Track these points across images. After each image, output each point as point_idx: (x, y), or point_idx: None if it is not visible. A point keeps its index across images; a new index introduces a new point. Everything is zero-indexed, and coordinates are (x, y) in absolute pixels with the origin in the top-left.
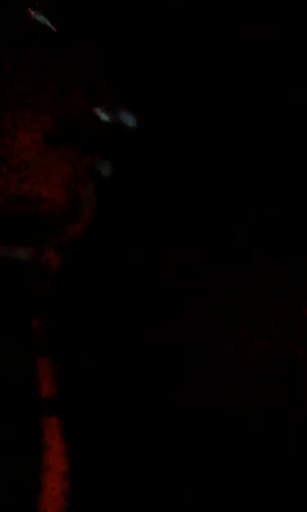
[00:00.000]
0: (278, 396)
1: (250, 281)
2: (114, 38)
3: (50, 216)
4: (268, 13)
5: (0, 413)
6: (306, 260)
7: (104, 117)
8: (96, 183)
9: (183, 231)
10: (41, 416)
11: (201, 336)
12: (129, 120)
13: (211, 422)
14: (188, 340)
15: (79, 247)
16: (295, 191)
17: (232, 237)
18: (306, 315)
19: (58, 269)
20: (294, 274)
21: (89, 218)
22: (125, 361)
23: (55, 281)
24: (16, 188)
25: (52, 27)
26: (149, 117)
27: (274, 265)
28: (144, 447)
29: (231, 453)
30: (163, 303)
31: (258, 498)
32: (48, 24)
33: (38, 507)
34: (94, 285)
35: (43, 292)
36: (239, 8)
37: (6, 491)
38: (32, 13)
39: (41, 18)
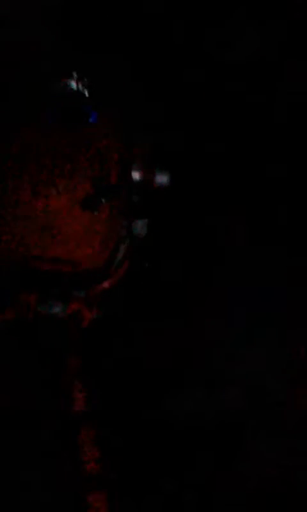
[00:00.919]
0: None
1: None
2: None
3: (84, 274)
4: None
5: None
6: None
7: (138, 178)
8: (130, 242)
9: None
10: None
11: None
12: (163, 180)
13: None
14: None
15: (108, 301)
16: None
17: None
18: None
19: (89, 323)
20: None
21: (121, 276)
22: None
23: (86, 334)
24: (53, 250)
25: (85, 93)
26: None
27: None
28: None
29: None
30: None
31: None
32: (81, 89)
33: None
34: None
35: (75, 345)
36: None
37: None
38: (66, 80)
39: (73, 84)
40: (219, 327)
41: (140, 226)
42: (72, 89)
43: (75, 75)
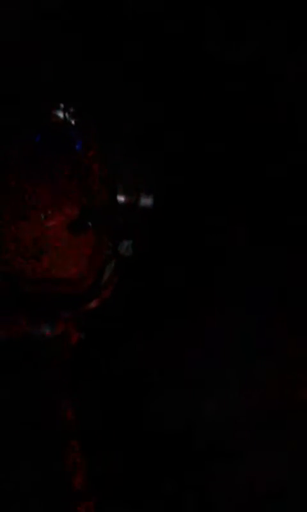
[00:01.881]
0: None
1: None
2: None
3: (71, 295)
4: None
5: None
6: None
7: (123, 201)
8: (117, 263)
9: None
10: None
11: None
12: (147, 202)
13: None
14: None
15: (94, 320)
16: None
17: None
18: None
19: (76, 342)
20: None
21: (108, 295)
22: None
23: (74, 354)
24: (40, 271)
25: (72, 122)
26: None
27: None
28: None
29: None
30: None
31: None
32: (68, 118)
33: None
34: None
35: (62, 364)
36: None
37: None
38: (53, 110)
39: (60, 114)
40: (220, 333)
41: (125, 247)
42: (59, 118)
43: (62, 105)
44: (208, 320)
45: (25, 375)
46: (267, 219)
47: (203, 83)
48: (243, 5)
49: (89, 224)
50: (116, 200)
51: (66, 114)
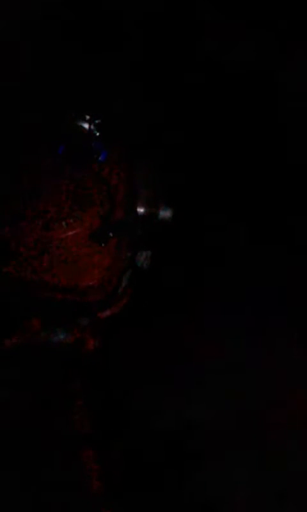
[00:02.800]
0: None
1: None
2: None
3: (89, 303)
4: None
5: None
6: None
7: (143, 212)
8: (134, 273)
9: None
10: None
11: None
12: (166, 215)
13: None
14: None
15: (111, 329)
16: None
17: None
18: None
19: (93, 350)
20: None
21: (123, 304)
22: None
23: (91, 361)
24: (58, 279)
25: (96, 133)
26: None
27: None
28: None
29: None
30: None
31: None
32: (93, 129)
33: None
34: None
35: (78, 370)
36: None
37: None
38: (77, 120)
39: (85, 125)
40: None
41: (143, 258)
42: (84, 128)
43: (87, 116)
44: (207, 318)
45: (41, 379)
46: (267, 218)
47: (204, 84)
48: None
49: (110, 234)
50: (136, 212)
51: (92, 126)
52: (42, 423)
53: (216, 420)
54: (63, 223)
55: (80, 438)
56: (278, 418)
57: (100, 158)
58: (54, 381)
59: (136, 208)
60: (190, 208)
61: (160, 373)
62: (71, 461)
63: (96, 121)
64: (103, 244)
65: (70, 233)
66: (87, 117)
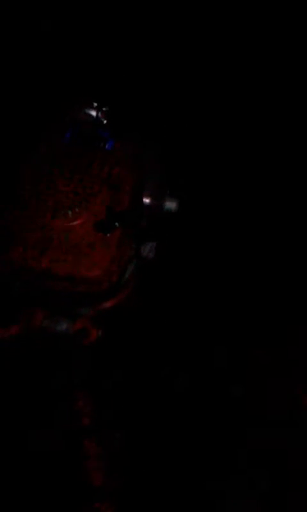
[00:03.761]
0: None
1: None
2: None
3: (92, 293)
4: None
5: None
6: None
7: (148, 203)
8: (138, 264)
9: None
10: None
11: None
12: (171, 206)
13: None
14: None
15: (114, 319)
16: None
17: None
18: None
19: (95, 340)
20: None
21: (127, 295)
22: None
23: (92, 352)
24: (62, 269)
25: (104, 121)
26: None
27: None
28: None
29: None
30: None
31: None
32: (100, 117)
33: None
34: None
35: (80, 362)
36: None
37: None
38: (85, 108)
39: (93, 112)
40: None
41: (148, 249)
42: (91, 116)
43: (95, 104)
44: (211, 309)
45: (44, 371)
46: (272, 210)
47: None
48: None
49: (115, 224)
50: (142, 202)
51: (99, 114)
52: (43, 414)
53: (218, 413)
54: (68, 212)
55: (81, 429)
56: (280, 415)
57: (106, 146)
58: (55, 371)
59: (142, 199)
60: (195, 200)
61: (164, 362)
62: (72, 452)
63: (104, 109)
64: (108, 234)
65: (75, 222)
66: (95, 104)
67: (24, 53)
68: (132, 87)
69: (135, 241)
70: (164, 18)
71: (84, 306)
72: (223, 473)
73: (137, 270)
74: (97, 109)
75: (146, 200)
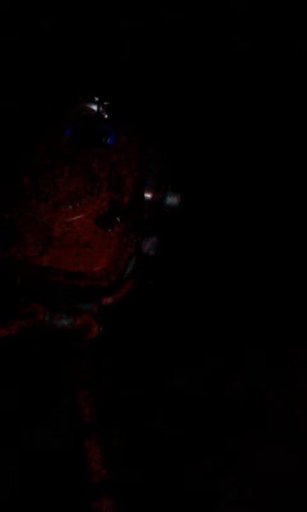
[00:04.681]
0: None
1: None
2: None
3: (94, 289)
4: None
5: None
6: None
7: (149, 198)
8: (139, 260)
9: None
10: None
11: None
12: (173, 201)
13: None
14: None
15: (116, 316)
16: None
17: None
18: None
19: (97, 336)
20: None
21: (128, 291)
22: None
23: (94, 348)
24: (63, 264)
25: (105, 116)
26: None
27: None
28: None
29: None
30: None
31: None
32: (102, 112)
33: None
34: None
35: (82, 358)
36: None
37: None
38: (86, 103)
39: (94, 107)
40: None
41: (149, 245)
42: (93, 111)
43: (96, 98)
44: (212, 305)
45: (45, 367)
46: (274, 207)
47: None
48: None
49: (117, 219)
50: (143, 197)
51: (100, 108)
52: (43, 411)
53: (219, 412)
54: (70, 207)
55: (81, 427)
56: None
57: (108, 141)
58: (56, 368)
59: (143, 194)
60: (198, 195)
61: (165, 361)
62: (72, 451)
63: (105, 104)
64: (109, 230)
65: (76, 217)
66: (96, 99)
67: (24, 49)
68: (134, 81)
69: (136, 237)
70: (166, 15)
71: (85, 302)
72: (223, 473)
73: (138, 266)
74: (98, 104)
75: (148, 195)
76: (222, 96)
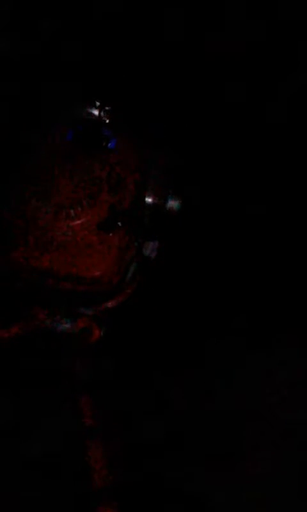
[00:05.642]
0: None
1: None
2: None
3: (95, 292)
4: None
5: None
6: None
7: (150, 202)
8: (140, 264)
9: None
10: None
11: None
12: (174, 205)
13: None
14: None
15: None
16: None
17: None
18: None
19: (97, 340)
20: None
21: (128, 294)
22: None
23: (94, 352)
24: (64, 268)
25: (106, 120)
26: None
27: None
28: None
29: None
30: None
31: None
32: (103, 116)
33: None
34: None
35: (83, 361)
36: None
37: None
38: (88, 107)
39: (95, 111)
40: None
41: (150, 249)
42: (94, 115)
43: (97, 103)
44: (213, 309)
45: (46, 370)
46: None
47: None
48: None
49: (118, 224)
50: (144, 201)
51: (101, 112)
52: (44, 414)
53: (220, 414)
54: (71, 211)
55: (82, 428)
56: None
57: (109, 145)
58: (57, 371)
59: (144, 198)
60: (200, 199)
61: (165, 364)
62: (74, 453)
63: (107, 108)
64: (110, 234)
65: (78, 221)
66: (98, 103)
67: (26, 51)
68: (135, 85)
69: (137, 241)
70: (168, 17)
71: (86, 306)
72: (223, 473)
73: (139, 270)
74: (100, 108)
75: (149, 199)
76: (223, 98)
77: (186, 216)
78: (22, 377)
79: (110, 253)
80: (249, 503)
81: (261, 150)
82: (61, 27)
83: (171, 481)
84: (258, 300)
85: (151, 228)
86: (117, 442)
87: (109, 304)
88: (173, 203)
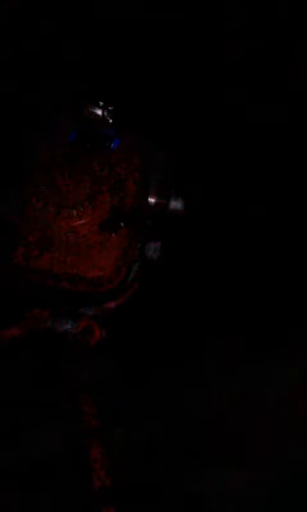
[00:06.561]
0: None
1: None
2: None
3: (97, 293)
4: None
5: None
6: None
7: (153, 203)
8: (143, 264)
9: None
10: None
11: None
12: (177, 206)
13: None
14: None
15: (118, 319)
16: None
17: None
18: None
19: (99, 340)
20: None
21: (130, 295)
22: None
23: (97, 352)
24: (66, 269)
25: (109, 120)
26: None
27: None
28: None
29: None
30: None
31: None
32: (106, 116)
33: None
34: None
35: (84, 361)
36: None
37: None
38: (91, 107)
39: (98, 112)
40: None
41: (152, 250)
42: (97, 115)
43: (101, 103)
44: (214, 309)
45: (47, 371)
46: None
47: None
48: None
49: (120, 224)
50: (147, 202)
51: (105, 113)
52: (45, 414)
53: (220, 414)
54: (74, 212)
55: (83, 429)
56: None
57: (112, 146)
58: (59, 371)
59: (147, 199)
60: (201, 200)
61: (165, 364)
62: (75, 453)
63: (110, 108)
64: (113, 234)
65: (80, 222)
66: (101, 103)
67: (28, 52)
68: (138, 85)
69: (139, 241)
70: (170, 17)
71: (88, 306)
72: (223, 473)
73: (141, 270)
74: (103, 108)
75: (151, 200)
76: (225, 99)
77: (187, 215)
78: (22, 378)
79: (111, 253)
80: (249, 503)
81: (262, 150)
82: (61, 27)
83: (171, 481)
84: (259, 300)
85: (153, 229)
86: (117, 442)
87: (110, 304)
88: (176, 204)
